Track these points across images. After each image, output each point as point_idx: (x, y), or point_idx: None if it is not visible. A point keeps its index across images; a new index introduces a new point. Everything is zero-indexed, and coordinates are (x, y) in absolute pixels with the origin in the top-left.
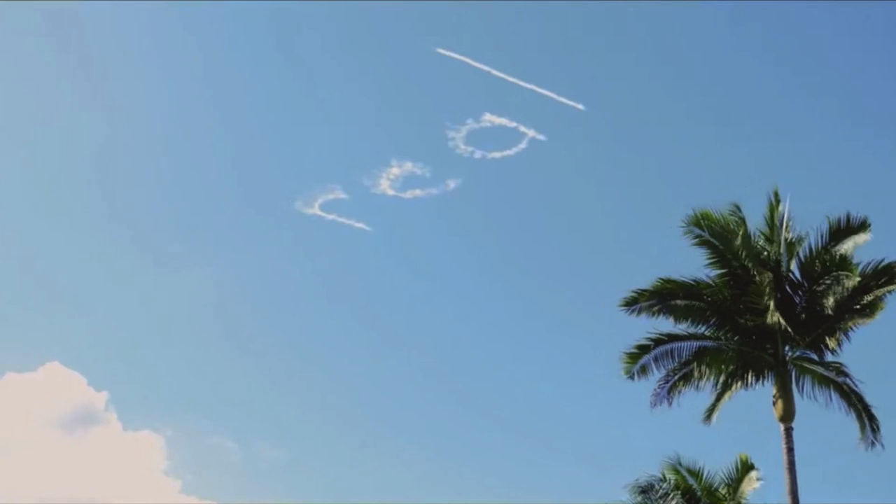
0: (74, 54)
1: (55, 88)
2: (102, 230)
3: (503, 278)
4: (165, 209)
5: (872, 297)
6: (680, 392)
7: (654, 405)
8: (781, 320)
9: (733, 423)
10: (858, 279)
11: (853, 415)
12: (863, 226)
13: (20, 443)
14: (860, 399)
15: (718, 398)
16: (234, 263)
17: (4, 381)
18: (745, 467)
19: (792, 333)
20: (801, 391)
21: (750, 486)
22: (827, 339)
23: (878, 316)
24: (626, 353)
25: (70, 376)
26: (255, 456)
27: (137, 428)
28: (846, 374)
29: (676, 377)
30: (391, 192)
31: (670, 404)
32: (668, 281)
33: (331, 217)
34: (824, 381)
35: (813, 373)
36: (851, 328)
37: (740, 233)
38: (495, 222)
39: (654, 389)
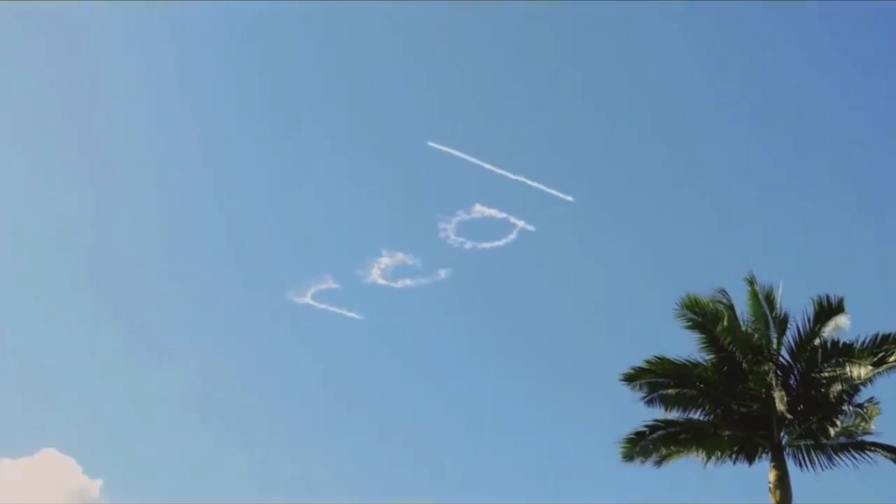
0: (73, 131)
1: (45, 164)
2: (93, 318)
3: (494, 366)
4: (157, 298)
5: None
6: (666, 461)
7: (627, 461)
8: (785, 410)
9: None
10: (870, 368)
11: None
12: (840, 307)
13: None
14: None
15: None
16: (227, 352)
17: None
18: None
19: (793, 420)
20: (802, 468)
21: None
22: (828, 427)
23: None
24: (625, 440)
25: (65, 463)
26: None
27: None
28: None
29: (665, 449)
30: (382, 282)
31: (642, 464)
32: (662, 360)
33: (322, 306)
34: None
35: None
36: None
37: (725, 317)
38: (486, 311)
39: (634, 450)
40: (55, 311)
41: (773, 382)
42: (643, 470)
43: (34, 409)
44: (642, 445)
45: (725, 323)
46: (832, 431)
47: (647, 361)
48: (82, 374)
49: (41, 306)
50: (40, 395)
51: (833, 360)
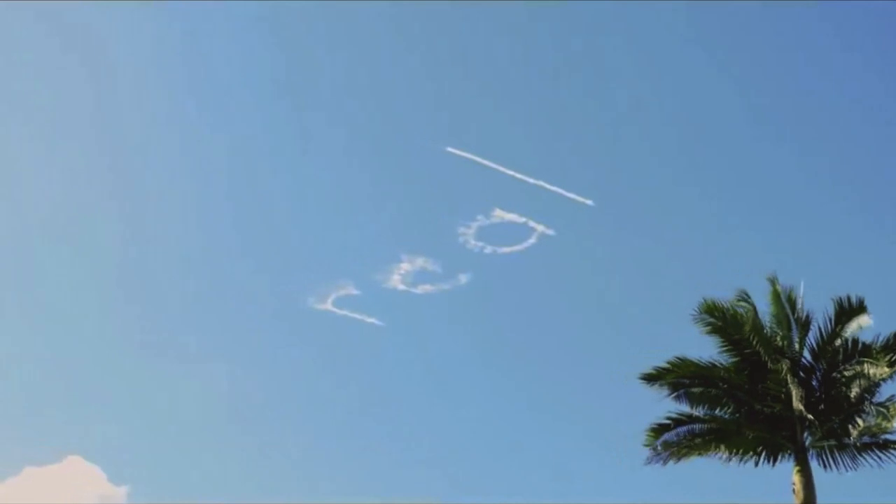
0: (95, 134)
1: (70, 169)
2: (117, 324)
3: (513, 370)
4: (180, 304)
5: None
6: (687, 458)
7: (649, 463)
8: (804, 411)
9: None
10: (888, 370)
11: None
12: (861, 308)
13: None
14: None
15: None
16: (250, 359)
17: (23, 475)
18: None
19: (814, 421)
20: (826, 468)
21: None
22: (850, 427)
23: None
24: (649, 429)
25: (90, 470)
26: None
27: None
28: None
29: (688, 446)
30: (402, 288)
31: (664, 465)
32: (684, 361)
33: (343, 312)
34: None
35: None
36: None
37: (749, 319)
38: (506, 316)
39: (656, 449)
40: (79, 319)
41: (792, 382)
42: (659, 473)
43: (60, 417)
44: (666, 439)
45: (748, 325)
46: (854, 431)
47: (669, 362)
48: (107, 382)
49: (66, 314)
50: (66, 402)
51: (853, 360)
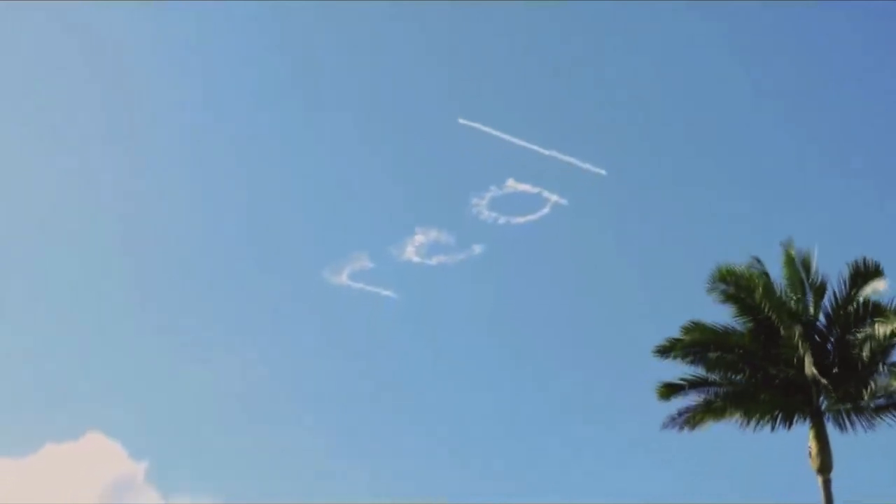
0: (102, 130)
1: (84, 166)
2: (135, 302)
3: (527, 341)
4: (197, 280)
5: None
6: (703, 424)
7: (665, 427)
8: (817, 374)
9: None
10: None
11: None
12: (877, 272)
13: None
14: None
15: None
16: (265, 334)
17: (43, 451)
18: None
19: (827, 384)
20: (843, 430)
21: None
22: (863, 390)
23: None
24: (662, 385)
25: (110, 446)
26: None
27: (176, 497)
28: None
29: (704, 411)
30: (417, 260)
31: (681, 430)
32: (698, 326)
33: (358, 286)
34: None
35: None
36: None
37: (761, 286)
38: (520, 285)
39: (672, 415)
40: (98, 300)
41: (805, 346)
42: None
43: (79, 393)
44: (683, 408)
45: (761, 290)
46: (867, 393)
47: (684, 327)
48: (126, 358)
49: (85, 291)
50: (86, 379)
51: (866, 322)
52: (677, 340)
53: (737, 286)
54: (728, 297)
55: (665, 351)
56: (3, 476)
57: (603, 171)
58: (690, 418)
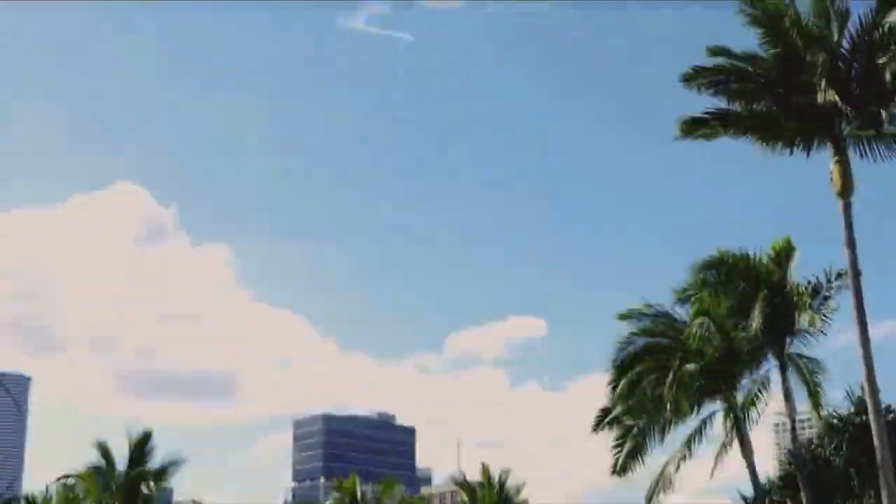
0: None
1: None
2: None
3: (556, 74)
4: (221, 39)
5: None
6: (716, 135)
7: (679, 136)
8: (836, 98)
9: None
10: None
11: None
12: None
13: (95, 260)
14: None
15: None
16: (288, 80)
17: (71, 200)
18: (789, 247)
19: (847, 109)
20: (863, 156)
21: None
22: (883, 112)
23: None
24: (685, 121)
25: (138, 192)
26: (322, 261)
27: (206, 241)
28: None
29: (720, 127)
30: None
31: (695, 139)
32: (723, 49)
33: (374, 30)
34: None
35: (872, 140)
36: None
37: (791, 11)
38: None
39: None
40: (125, 51)
41: (828, 72)
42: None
43: (108, 143)
44: (700, 133)
45: (788, 17)
46: (887, 116)
47: (709, 48)
48: (153, 107)
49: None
50: (114, 127)
51: (890, 48)
52: (702, 69)
53: (764, 10)
54: (755, 21)
55: (690, 78)
56: (34, 224)
57: None
58: (705, 133)
